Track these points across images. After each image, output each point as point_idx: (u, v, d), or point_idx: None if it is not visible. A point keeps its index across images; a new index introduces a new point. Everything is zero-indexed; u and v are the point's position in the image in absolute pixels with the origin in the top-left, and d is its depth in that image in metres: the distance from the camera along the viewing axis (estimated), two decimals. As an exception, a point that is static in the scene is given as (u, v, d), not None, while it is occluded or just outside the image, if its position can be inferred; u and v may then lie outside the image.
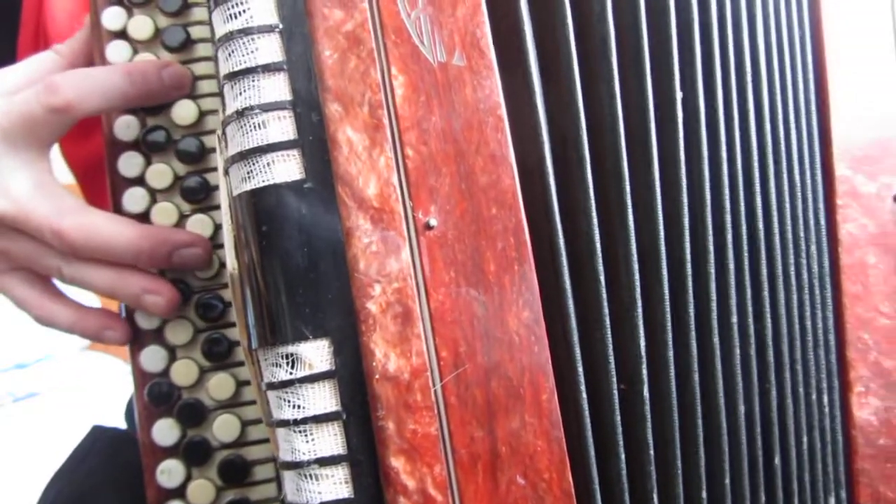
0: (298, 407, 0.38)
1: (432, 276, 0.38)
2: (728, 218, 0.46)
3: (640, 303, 0.43)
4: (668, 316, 0.44)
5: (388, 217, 0.38)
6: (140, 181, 0.54)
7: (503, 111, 0.39)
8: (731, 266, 0.46)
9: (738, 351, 0.46)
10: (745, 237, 0.47)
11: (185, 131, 0.54)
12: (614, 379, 0.43)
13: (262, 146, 0.39)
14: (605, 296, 0.42)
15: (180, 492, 0.52)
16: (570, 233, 0.42)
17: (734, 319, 0.46)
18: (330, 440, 0.37)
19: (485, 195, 0.38)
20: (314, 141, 0.39)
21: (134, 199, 0.53)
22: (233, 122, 0.40)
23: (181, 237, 0.51)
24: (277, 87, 0.39)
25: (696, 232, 0.45)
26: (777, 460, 0.48)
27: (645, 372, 0.43)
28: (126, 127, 0.54)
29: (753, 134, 0.47)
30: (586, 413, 0.41)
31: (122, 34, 0.54)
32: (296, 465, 0.37)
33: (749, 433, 0.47)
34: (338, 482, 0.37)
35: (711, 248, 0.45)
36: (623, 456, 0.43)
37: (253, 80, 0.39)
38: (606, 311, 0.43)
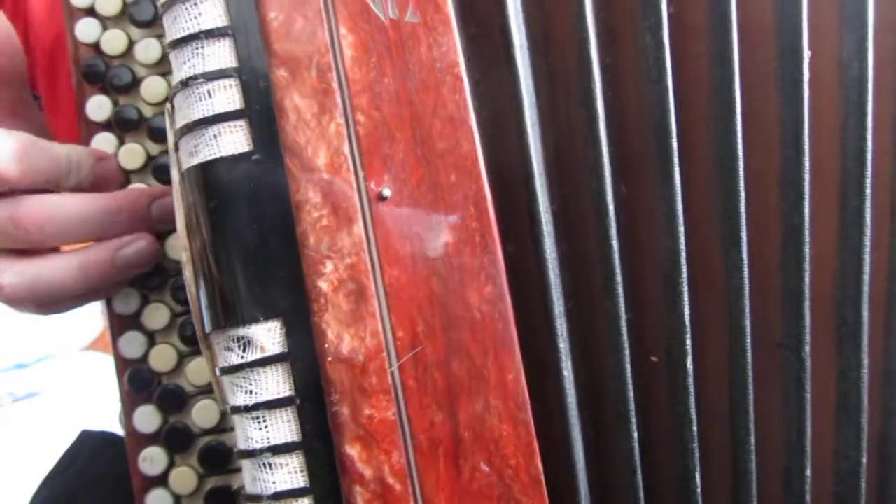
0: (251, 392, 0.35)
1: (386, 250, 0.35)
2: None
3: (684, 269, 0.40)
4: (746, 282, 0.40)
5: (339, 189, 0.35)
6: (114, 162, 0.52)
7: (462, 70, 0.36)
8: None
9: None
10: None
11: (156, 109, 0.52)
12: (626, 352, 0.40)
13: (209, 117, 0.36)
14: (617, 263, 0.39)
15: (163, 479, 0.51)
16: (565, 196, 0.39)
17: None
18: (283, 427, 0.35)
19: (442, 161, 0.35)
20: (262, 110, 0.36)
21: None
22: (179, 93, 0.37)
23: (154, 189, 0.49)
24: (222, 54, 0.37)
25: (845, 203, 0.41)
26: None
27: (689, 343, 0.40)
28: (98, 107, 0.53)
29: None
30: (569, 392, 0.38)
31: (90, 11, 0.53)
32: (249, 454, 0.35)
33: None
34: (292, 471, 0.35)
35: (869, 222, 0.41)
36: (636, 435, 0.40)
37: (197, 48, 0.37)
38: (619, 279, 0.40)
